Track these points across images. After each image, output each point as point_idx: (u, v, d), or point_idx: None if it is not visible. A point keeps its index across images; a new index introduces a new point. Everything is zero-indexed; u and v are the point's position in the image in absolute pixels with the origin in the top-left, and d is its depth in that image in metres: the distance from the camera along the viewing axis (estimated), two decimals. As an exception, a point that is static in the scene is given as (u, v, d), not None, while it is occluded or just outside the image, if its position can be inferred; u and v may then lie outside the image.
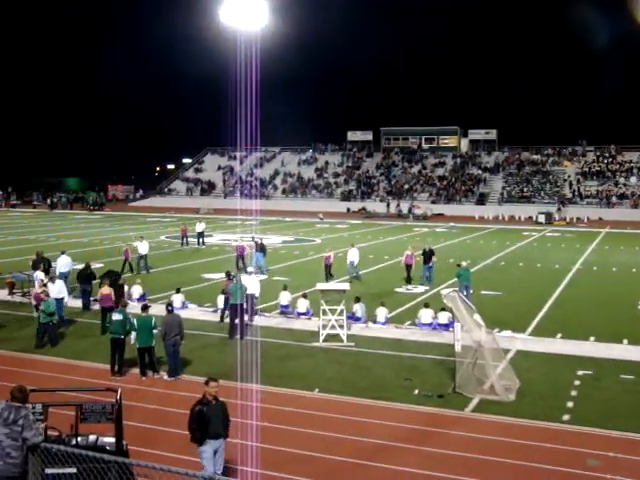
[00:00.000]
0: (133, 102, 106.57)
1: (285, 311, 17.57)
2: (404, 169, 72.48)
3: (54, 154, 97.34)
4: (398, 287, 21.86)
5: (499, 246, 35.45)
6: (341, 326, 14.98)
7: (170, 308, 12.59)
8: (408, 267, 22.16)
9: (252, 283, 16.39)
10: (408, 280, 22.06)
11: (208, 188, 76.83)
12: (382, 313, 16.63)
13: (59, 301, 15.55)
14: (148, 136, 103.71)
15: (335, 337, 14.99)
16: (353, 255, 22.53)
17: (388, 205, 62.94)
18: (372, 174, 72.96)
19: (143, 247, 24.42)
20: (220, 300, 17.68)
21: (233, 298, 15.29)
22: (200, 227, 33.59)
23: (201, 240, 33.47)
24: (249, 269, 19.60)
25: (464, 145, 75.84)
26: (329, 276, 21.90)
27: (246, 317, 15.64)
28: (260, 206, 68.84)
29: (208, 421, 7.43)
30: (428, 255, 22.07)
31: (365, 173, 73.19)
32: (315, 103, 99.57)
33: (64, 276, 19.20)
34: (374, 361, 13.55)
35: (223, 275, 23.49)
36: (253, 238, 25.63)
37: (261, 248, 24.32)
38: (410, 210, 57.22)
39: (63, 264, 19.56)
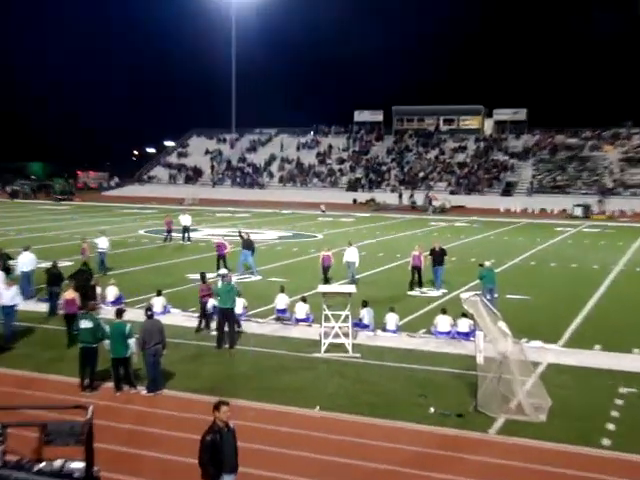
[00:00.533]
0: (107, 78, 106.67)
1: (282, 316, 17.59)
2: (419, 154, 72.50)
3: (14, 135, 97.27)
4: (411, 290, 21.87)
5: (528, 243, 35.46)
6: (346, 334, 14.98)
7: (150, 313, 12.57)
8: (416, 270, 21.74)
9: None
10: (419, 284, 21.64)
11: (194, 175, 76.93)
12: (392, 320, 16.64)
13: (8, 310, 15.11)
14: (125, 116, 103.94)
15: (339, 347, 14.99)
16: (351, 255, 22.14)
17: (400, 196, 63.01)
18: (382, 160, 72.98)
19: (102, 243, 24.16)
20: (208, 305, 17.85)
21: (222, 301, 15.29)
22: (185, 220, 33.60)
23: (186, 235, 33.47)
24: (221, 271, 19.67)
25: (488, 127, 75.98)
26: (326, 280, 21.70)
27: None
28: (253, 196, 69.03)
29: (222, 452, 7.08)
30: (438, 255, 21.77)
31: (374, 159, 73.22)
32: (317, 79, 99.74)
33: (27, 276, 19.17)
34: (383, 375, 13.56)
35: (212, 275, 23.81)
36: (240, 233, 25.14)
37: (248, 245, 23.82)
38: (430, 201, 57.14)
39: (25, 262, 19.29)
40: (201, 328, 16.51)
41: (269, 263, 26.47)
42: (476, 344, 12.41)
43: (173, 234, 33.69)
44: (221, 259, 24.64)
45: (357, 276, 22.22)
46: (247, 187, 73.00)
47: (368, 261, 27.07)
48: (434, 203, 58.44)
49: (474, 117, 75.96)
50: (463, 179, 66.41)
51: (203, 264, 27.25)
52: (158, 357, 12.28)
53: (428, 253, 22.33)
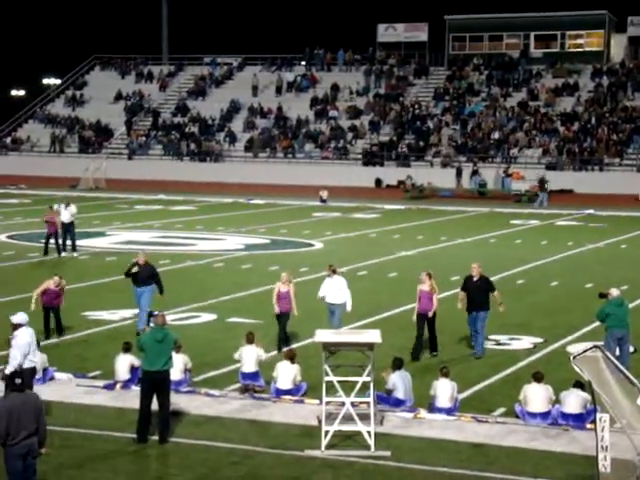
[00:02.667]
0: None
1: (252, 385, 17.73)
2: (492, 99, 72.60)
3: None
4: (415, 359, 21.28)
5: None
6: (365, 417, 14.99)
7: (19, 382, 12.51)
8: (424, 319, 20.84)
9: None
10: (431, 346, 20.85)
11: (96, 138, 77.11)
12: (446, 391, 16.68)
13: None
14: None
15: (352, 439, 14.99)
16: (335, 291, 21.40)
17: (459, 173, 63.12)
18: (426, 110, 73.10)
19: (65, 215, 33.44)
20: (121, 365, 17.79)
21: (149, 361, 15.37)
22: (66, 215, 33.70)
23: (68, 240, 33.98)
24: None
25: (617, 49, 76.22)
26: (282, 341, 20.74)
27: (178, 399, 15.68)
28: (202, 175, 69.03)
29: None
30: (479, 290, 20.85)
31: (412, 107, 73.30)
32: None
33: None
34: (432, 490, 13.55)
35: (129, 312, 24.04)
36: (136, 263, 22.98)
37: (148, 274, 22.54)
38: (544, 182, 56.71)
39: None
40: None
41: (229, 292, 26.48)
42: (596, 434, 12.38)
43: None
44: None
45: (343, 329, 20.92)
46: (190, 159, 72.99)
47: (402, 288, 27.11)
48: (515, 185, 58.63)
49: (591, 33, 76.15)
50: (570, 143, 66.62)
51: (112, 293, 27.25)
52: (31, 461, 12.17)
53: (461, 286, 21.35)
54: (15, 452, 12.03)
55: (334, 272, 21.71)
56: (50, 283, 21.70)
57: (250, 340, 18.05)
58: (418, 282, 21.25)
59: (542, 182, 56.94)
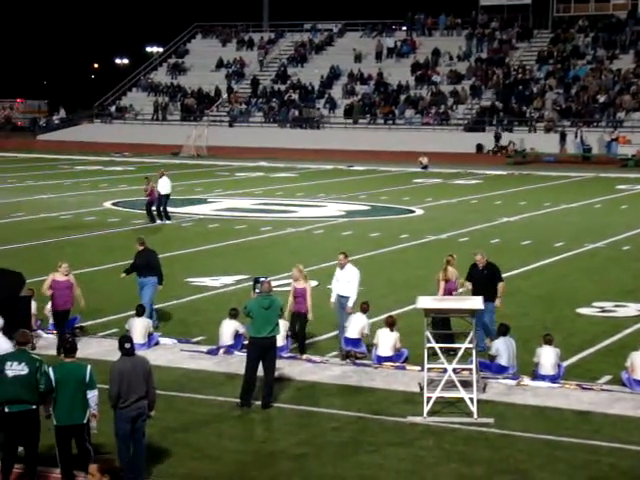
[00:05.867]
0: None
1: (353, 351, 17.79)
2: (597, 62, 71.21)
3: None
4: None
5: None
6: (467, 384, 14.98)
7: (128, 347, 12.71)
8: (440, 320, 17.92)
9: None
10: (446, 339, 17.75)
11: (197, 105, 77.85)
12: (550, 358, 16.56)
13: None
14: (78, 3, 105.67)
15: (454, 406, 15.02)
16: (344, 282, 19.10)
17: (563, 138, 62.15)
18: (530, 74, 72.00)
19: (164, 186, 34.01)
20: (226, 331, 17.95)
21: (256, 327, 15.53)
22: (165, 186, 34.26)
23: (162, 209, 34.53)
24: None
25: None
26: (300, 343, 18.53)
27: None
28: (302, 141, 69.20)
29: None
30: (484, 279, 18.82)
31: (515, 72, 72.34)
32: None
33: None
34: (539, 458, 13.44)
35: (231, 279, 24.40)
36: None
37: (147, 263, 20.06)
38: (609, 146, 56.05)
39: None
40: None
41: (330, 259, 26.49)
42: None
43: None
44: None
45: (328, 335, 19.57)
46: (291, 125, 73.25)
47: (505, 255, 26.93)
48: (621, 149, 57.53)
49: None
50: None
51: (217, 260, 27.58)
52: (141, 423, 12.41)
53: (466, 276, 19.09)
54: (125, 415, 12.27)
55: (345, 257, 19.28)
56: (56, 274, 18.31)
57: (364, 310, 18.16)
58: (442, 270, 18.93)
59: (609, 143, 56.19)
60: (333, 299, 18.99)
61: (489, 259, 19.12)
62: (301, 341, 18.32)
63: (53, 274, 18.17)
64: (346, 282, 18.91)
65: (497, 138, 63.49)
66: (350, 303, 18.63)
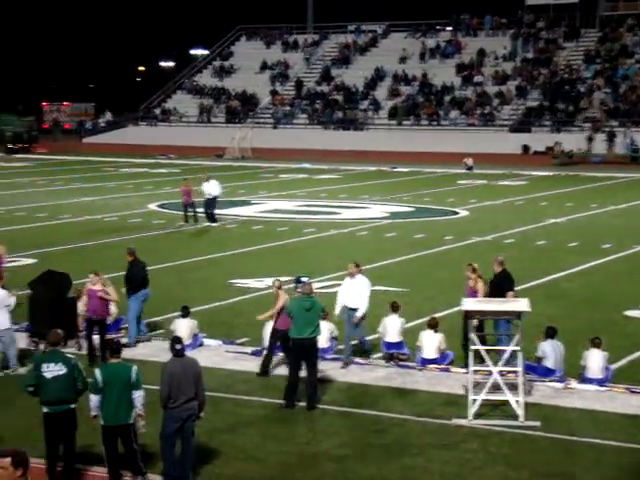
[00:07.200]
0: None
1: (396, 354, 17.81)
2: (645, 63, 70.52)
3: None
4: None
5: None
6: (513, 386, 14.94)
7: (179, 348, 12.78)
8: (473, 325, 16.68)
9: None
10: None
11: (241, 107, 78.14)
12: (597, 361, 16.44)
13: None
14: (123, 8, 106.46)
15: (500, 408, 14.99)
16: (353, 293, 18.26)
17: (611, 139, 61.58)
18: (578, 74, 71.45)
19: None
20: (269, 333, 17.96)
21: (297, 328, 15.59)
22: (211, 188, 34.38)
23: (209, 212, 34.45)
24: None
25: None
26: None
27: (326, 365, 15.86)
28: (346, 143, 69.22)
29: None
30: (500, 289, 17.82)
31: (562, 72, 71.82)
32: None
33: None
34: (585, 462, 13.39)
35: (271, 281, 24.33)
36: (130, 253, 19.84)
37: (136, 276, 19.17)
38: None
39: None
40: (266, 370, 16.98)
41: (373, 260, 26.50)
42: None
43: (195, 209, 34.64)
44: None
45: (368, 338, 18.65)
46: (334, 127, 73.25)
47: (552, 257, 26.71)
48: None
49: None
50: None
51: (260, 261, 27.66)
52: (190, 424, 12.49)
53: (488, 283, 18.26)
54: (175, 415, 12.36)
55: (356, 267, 18.41)
56: (88, 285, 18.03)
57: (394, 308, 18.04)
58: (467, 275, 18.19)
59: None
60: (338, 310, 18.04)
61: (506, 267, 18.37)
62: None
63: (89, 282, 18.12)
64: (356, 293, 18.07)
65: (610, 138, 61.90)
66: (359, 314, 17.87)
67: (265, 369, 17.04)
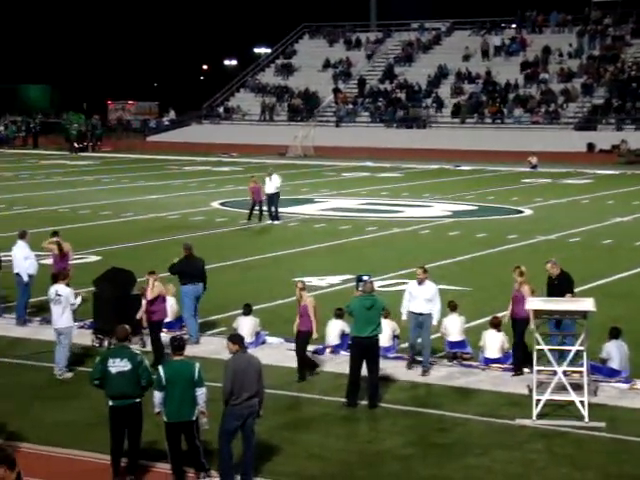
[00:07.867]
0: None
1: (459, 353, 17.78)
2: None
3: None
4: (519, 373, 20.94)
5: None
6: (577, 386, 14.83)
7: (242, 344, 12.87)
8: (521, 323, 17.02)
9: None
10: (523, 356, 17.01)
11: (304, 105, 78.24)
12: (666, 363, 16.23)
13: None
14: (187, 7, 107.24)
15: (564, 409, 14.89)
16: (419, 298, 17.38)
17: (679, 137, 60.73)
18: (644, 71, 70.57)
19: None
20: (332, 330, 18.02)
21: (358, 327, 15.63)
22: (272, 186, 34.47)
23: (273, 209, 34.53)
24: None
25: None
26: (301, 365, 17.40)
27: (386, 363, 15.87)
28: (409, 141, 69.02)
29: None
30: (557, 287, 17.56)
31: (629, 69, 70.94)
32: None
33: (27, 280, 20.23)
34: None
35: (337, 279, 24.46)
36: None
37: (193, 271, 19.16)
38: None
39: (25, 257, 20.26)
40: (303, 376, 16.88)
41: (435, 259, 26.40)
42: None
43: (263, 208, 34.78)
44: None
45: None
46: (397, 125, 73.10)
47: (618, 256, 26.48)
48: None
49: None
50: None
51: (322, 259, 27.69)
52: (251, 421, 12.52)
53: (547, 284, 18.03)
54: (236, 412, 12.38)
55: (425, 274, 17.58)
56: (147, 290, 17.65)
57: (454, 308, 18.02)
58: (515, 279, 17.35)
59: None
60: (405, 316, 17.42)
61: (563, 268, 18.01)
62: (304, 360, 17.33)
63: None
64: (424, 299, 17.28)
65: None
66: (435, 322, 17.30)
67: (302, 375, 16.86)
